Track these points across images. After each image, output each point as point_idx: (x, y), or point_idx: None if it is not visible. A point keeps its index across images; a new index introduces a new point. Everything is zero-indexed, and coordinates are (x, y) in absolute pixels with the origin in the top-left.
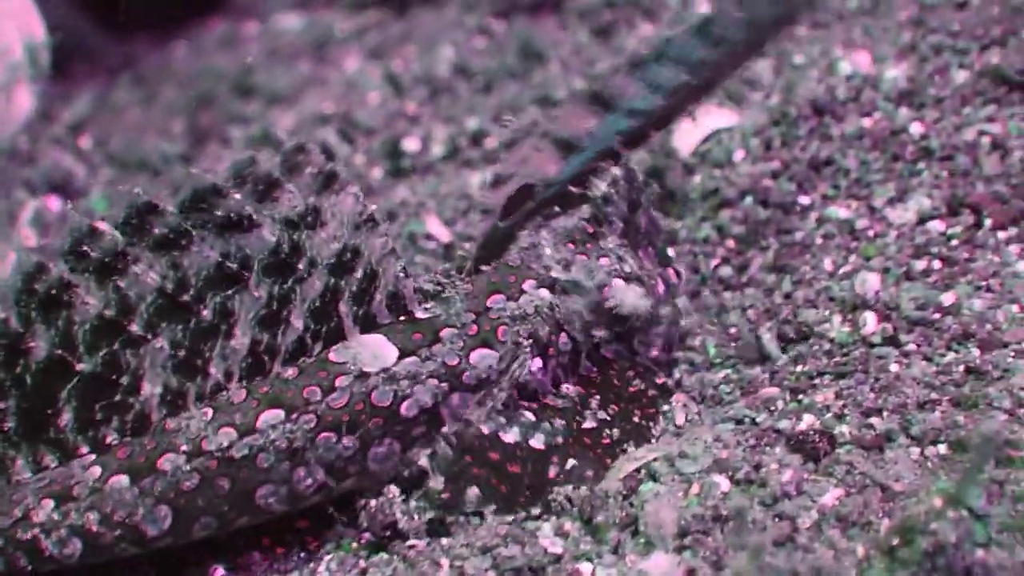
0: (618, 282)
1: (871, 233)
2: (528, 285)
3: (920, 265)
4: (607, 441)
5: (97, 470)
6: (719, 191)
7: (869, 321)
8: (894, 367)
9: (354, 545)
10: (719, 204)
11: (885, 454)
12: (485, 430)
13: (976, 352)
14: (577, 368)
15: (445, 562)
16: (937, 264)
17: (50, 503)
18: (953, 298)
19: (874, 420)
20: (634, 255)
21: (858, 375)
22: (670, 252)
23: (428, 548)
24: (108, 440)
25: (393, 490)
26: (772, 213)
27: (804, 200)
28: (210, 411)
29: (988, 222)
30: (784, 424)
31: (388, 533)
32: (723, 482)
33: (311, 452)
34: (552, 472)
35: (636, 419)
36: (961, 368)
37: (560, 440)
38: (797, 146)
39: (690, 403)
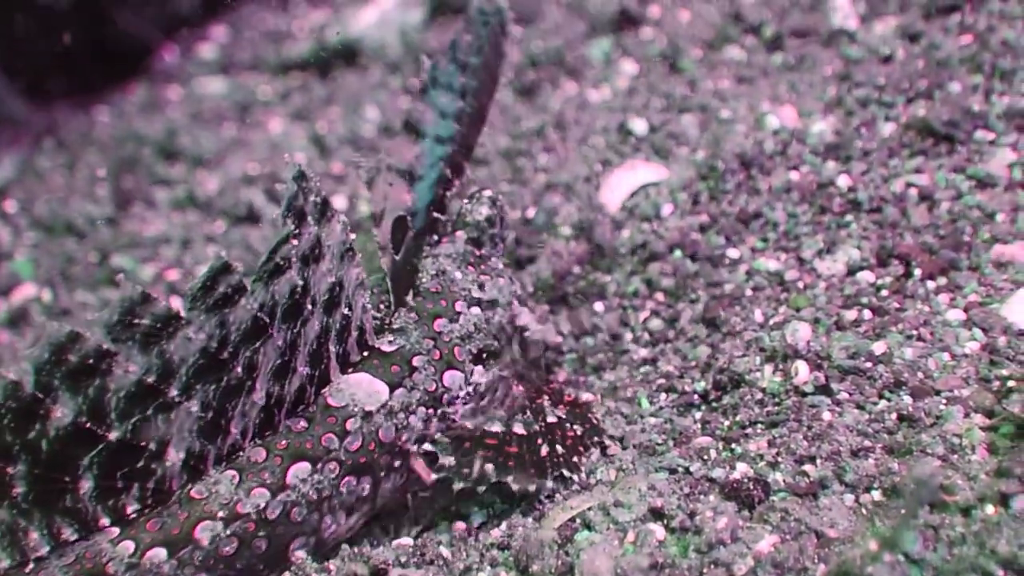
0: (516, 303)
1: (801, 284)
2: (459, 306)
3: (851, 315)
4: (572, 434)
5: (130, 544)
6: (648, 245)
7: (801, 370)
8: (827, 415)
9: None
10: (648, 258)
11: (819, 501)
12: (470, 425)
13: (908, 400)
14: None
15: None
16: (868, 314)
17: None
18: (884, 347)
19: (808, 467)
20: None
21: (791, 423)
22: None
23: None
24: (128, 510)
25: (300, 555)
26: (701, 266)
27: (733, 253)
28: (235, 473)
29: (917, 272)
30: (718, 473)
31: None
32: (658, 530)
33: (336, 499)
34: (544, 451)
35: (589, 416)
36: (894, 416)
37: (537, 428)
38: (725, 200)
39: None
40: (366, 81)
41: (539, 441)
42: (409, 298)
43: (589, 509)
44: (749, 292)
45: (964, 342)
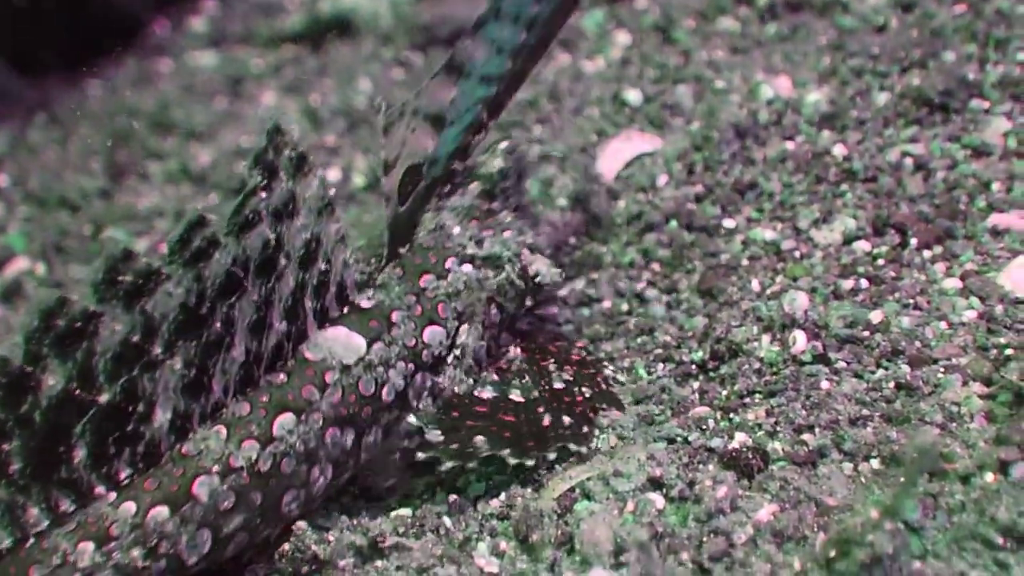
0: (527, 254)
1: (797, 254)
2: (450, 263)
3: (847, 284)
4: (581, 398)
5: (131, 506)
6: (643, 215)
7: (799, 339)
8: (825, 384)
9: None
10: (644, 228)
11: (818, 469)
12: (459, 390)
13: (906, 368)
14: (502, 339)
15: None
16: (864, 283)
17: (90, 546)
18: (881, 316)
19: (806, 436)
20: (529, 226)
21: (789, 393)
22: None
23: (362, 571)
24: (121, 475)
25: (301, 525)
26: (697, 236)
27: (729, 223)
28: (223, 428)
29: (913, 241)
30: (716, 442)
31: (314, 567)
32: (658, 499)
33: (322, 450)
34: (546, 421)
35: (600, 380)
36: (892, 384)
37: (536, 394)
38: (720, 170)
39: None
40: (359, 53)
41: (540, 409)
42: (405, 252)
43: (588, 479)
44: (745, 262)
45: (961, 311)
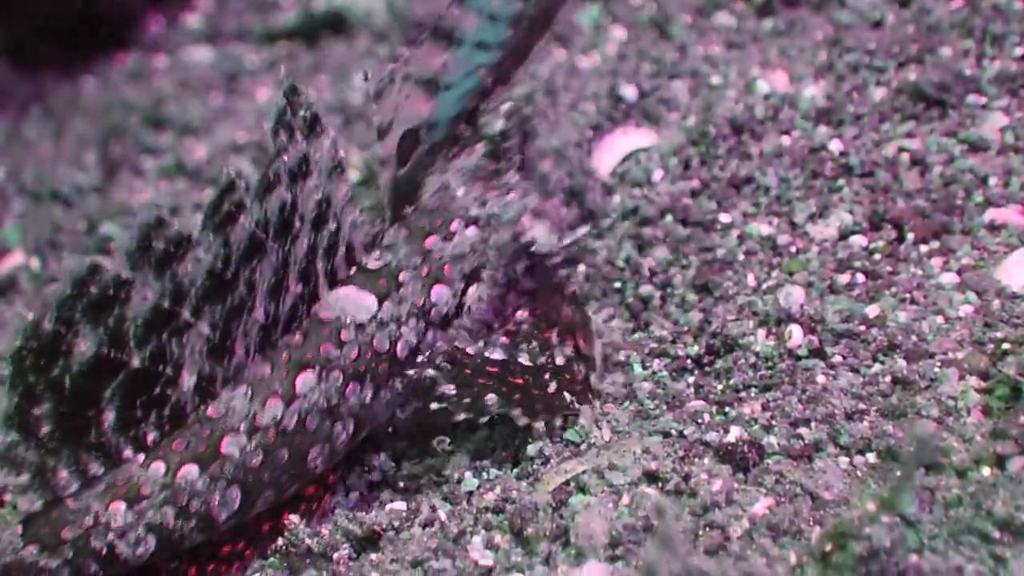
0: (526, 219)
1: (793, 249)
2: (455, 225)
3: (844, 279)
4: (580, 375)
5: (161, 466)
6: (639, 210)
7: (795, 334)
8: (821, 379)
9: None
10: (639, 223)
11: (814, 463)
12: (470, 351)
13: (902, 363)
14: (509, 301)
15: None
16: (861, 278)
17: (122, 506)
18: (878, 310)
19: (802, 430)
20: (534, 188)
21: (785, 387)
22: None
23: (357, 564)
24: (149, 438)
25: (293, 519)
26: (693, 231)
27: (725, 218)
28: (246, 388)
29: (910, 236)
30: (712, 436)
31: (307, 561)
32: (653, 493)
33: (343, 406)
34: (552, 388)
35: (591, 351)
36: (888, 379)
37: (544, 360)
38: (716, 165)
39: None
40: (353, 49)
41: (546, 376)
42: (409, 214)
43: (583, 472)
44: (741, 257)
45: (958, 305)
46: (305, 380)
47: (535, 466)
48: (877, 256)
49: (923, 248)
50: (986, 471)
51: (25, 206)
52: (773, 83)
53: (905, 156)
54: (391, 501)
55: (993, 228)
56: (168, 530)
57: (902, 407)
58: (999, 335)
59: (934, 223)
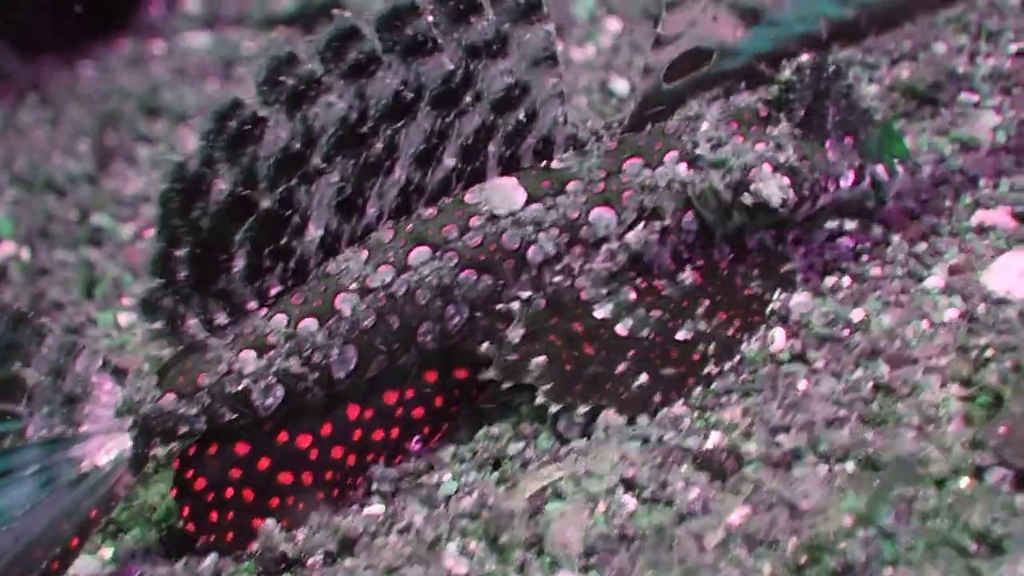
0: (765, 168)
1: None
2: (669, 157)
3: (829, 281)
4: (697, 357)
5: (283, 317)
6: None
7: (777, 338)
8: (802, 384)
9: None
10: None
11: (792, 472)
12: (584, 296)
13: (885, 369)
14: (703, 250)
15: None
16: (847, 280)
17: (252, 354)
18: (862, 314)
19: (782, 438)
20: (808, 146)
21: (766, 392)
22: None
23: (331, 570)
24: (272, 291)
25: (269, 523)
26: None
27: None
28: (365, 251)
29: (896, 238)
30: (691, 442)
31: (282, 566)
32: (629, 501)
33: (457, 289)
34: (621, 368)
35: (731, 333)
36: (870, 385)
37: (646, 333)
38: None
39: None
40: None
41: (630, 352)
42: (644, 131)
43: (561, 479)
44: None
45: (943, 310)
46: (418, 254)
47: (515, 468)
48: (864, 258)
49: (910, 250)
50: (964, 482)
51: (17, 194)
52: None
53: None
54: (369, 505)
55: (981, 230)
56: (295, 379)
57: (883, 415)
58: (983, 341)
59: (922, 225)
